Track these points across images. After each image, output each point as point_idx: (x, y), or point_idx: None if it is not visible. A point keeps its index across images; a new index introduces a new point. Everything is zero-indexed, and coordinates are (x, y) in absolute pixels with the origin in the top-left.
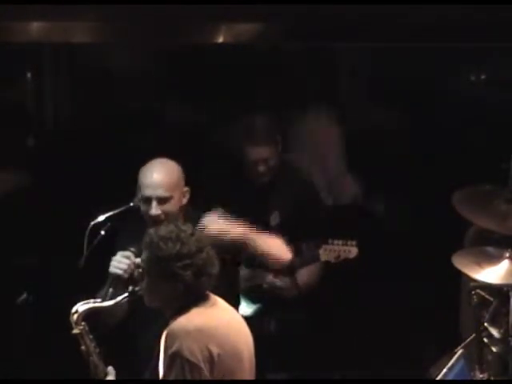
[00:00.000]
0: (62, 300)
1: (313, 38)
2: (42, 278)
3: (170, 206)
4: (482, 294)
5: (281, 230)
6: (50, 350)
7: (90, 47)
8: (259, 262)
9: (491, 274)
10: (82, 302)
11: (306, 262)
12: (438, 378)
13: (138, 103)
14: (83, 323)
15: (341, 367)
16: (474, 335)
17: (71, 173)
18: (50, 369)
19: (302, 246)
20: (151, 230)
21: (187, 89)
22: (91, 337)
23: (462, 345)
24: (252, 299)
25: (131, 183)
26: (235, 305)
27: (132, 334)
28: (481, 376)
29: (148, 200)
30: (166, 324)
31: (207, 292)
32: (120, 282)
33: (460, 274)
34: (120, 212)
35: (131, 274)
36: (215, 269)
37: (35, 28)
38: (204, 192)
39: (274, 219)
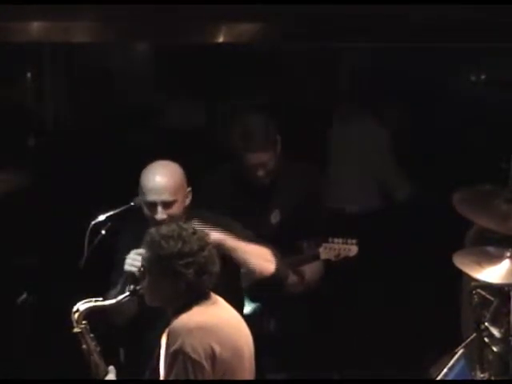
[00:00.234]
0: (62, 300)
1: (313, 38)
2: (42, 277)
3: (175, 209)
4: (483, 293)
5: (281, 229)
6: (50, 350)
7: (90, 47)
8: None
9: (492, 273)
10: (83, 301)
11: (306, 261)
12: (438, 378)
13: (138, 103)
14: (84, 322)
15: (340, 367)
16: (474, 335)
17: (71, 172)
18: (50, 369)
19: (303, 244)
20: (152, 229)
21: (187, 89)
22: (92, 336)
23: (463, 344)
24: (252, 298)
25: (131, 183)
26: (240, 304)
27: (133, 332)
28: (481, 376)
29: (153, 205)
30: (167, 323)
31: (208, 290)
32: (134, 280)
33: (461, 274)
34: (120, 212)
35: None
36: (216, 267)
37: (35, 28)
38: (204, 192)
39: (275, 218)
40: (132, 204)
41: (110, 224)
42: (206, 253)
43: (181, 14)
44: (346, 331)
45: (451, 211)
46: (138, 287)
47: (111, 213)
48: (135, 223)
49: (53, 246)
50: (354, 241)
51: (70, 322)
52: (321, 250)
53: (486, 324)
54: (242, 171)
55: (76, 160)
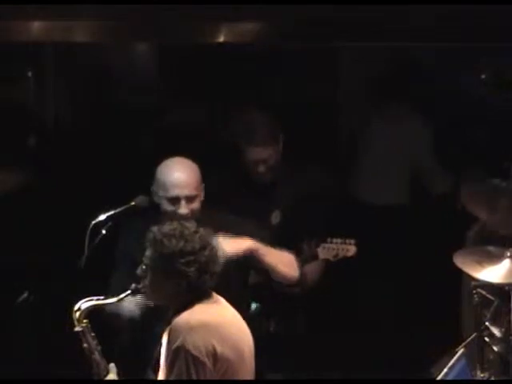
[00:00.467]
0: (62, 300)
1: (313, 38)
2: (43, 277)
3: (197, 204)
4: (483, 293)
5: (282, 229)
6: (50, 350)
7: (90, 47)
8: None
9: (492, 273)
10: (84, 300)
11: (305, 261)
12: (438, 378)
13: (139, 102)
14: (85, 321)
15: (341, 367)
16: (475, 334)
17: (72, 172)
18: (50, 369)
19: (304, 245)
20: (154, 228)
21: (188, 88)
22: (93, 334)
23: (463, 344)
24: (252, 298)
25: (132, 182)
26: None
27: (134, 331)
28: (482, 375)
29: (176, 200)
30: (168, 321)
31: (210, 289)
32: None
33: (461, 273)
34: (121, 211)
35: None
36: (218, 266)
37: (36, 27)
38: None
39: (275, 218)
40: (133, 204)
41: (110, 224)
42: (207, 252)
43: (181, 14)
44: (346, 331)
45: (452, 210)
46: (139, 285)
47: (112, 212)
48: (137, 223)
49: (53, 246)
50: (352, 241)
51: (71, 321)
52: (319, 249)
53: (487, 323)
54: (243, 169)
55: (76, 159)
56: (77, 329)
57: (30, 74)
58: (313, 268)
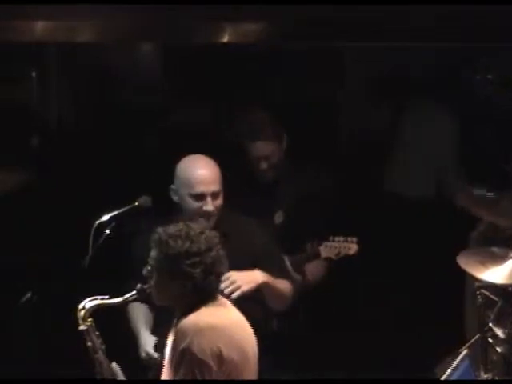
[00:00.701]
0: (66, 300)
1: (313, 38)
2: (46, 277)
3: (220, 200)
4: (487, 293)
5: (285, 229)
6: (50, 350)
7: (94, 47)
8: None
9: (496, 273)
10: (89, 299)
11: (307, 259)
12: (442, 378)
13: (143, 103)
14: (90, 320)
15: (344, 367)
16: (478, 335)
17: (75, 172)
18: (51, 369)
19: (307, 244)
20: (160, 229)
21: (192, 88)
22: (97, 333)
23: (467, 345)
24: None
25: (136, 182)
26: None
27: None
28: (485, 376)
29: (202, 196)
30: (174, 322)
31: (215, 291)
32: None
33: (465, 274)
34: (125, 211)
35: None
36: (224, 268)
37: (39, 27)
38: None
39: (278, 218)
40: (136, 204)
41: (114, 224)
42: (213, 253)
43: (182, 14)
44: (348, 331)
45: (454, 211)
46: (145, 286)
47: (115, 212)
48: (149, 224)
49: (57, 246)
50: (354, 239)
51: (75, 320)
52: (321, 248)
53: (490, 324)
54: (247, 169)
55: (79, 160)
56: (81, 327)
57: (33, 74)
58: (315, 267)
